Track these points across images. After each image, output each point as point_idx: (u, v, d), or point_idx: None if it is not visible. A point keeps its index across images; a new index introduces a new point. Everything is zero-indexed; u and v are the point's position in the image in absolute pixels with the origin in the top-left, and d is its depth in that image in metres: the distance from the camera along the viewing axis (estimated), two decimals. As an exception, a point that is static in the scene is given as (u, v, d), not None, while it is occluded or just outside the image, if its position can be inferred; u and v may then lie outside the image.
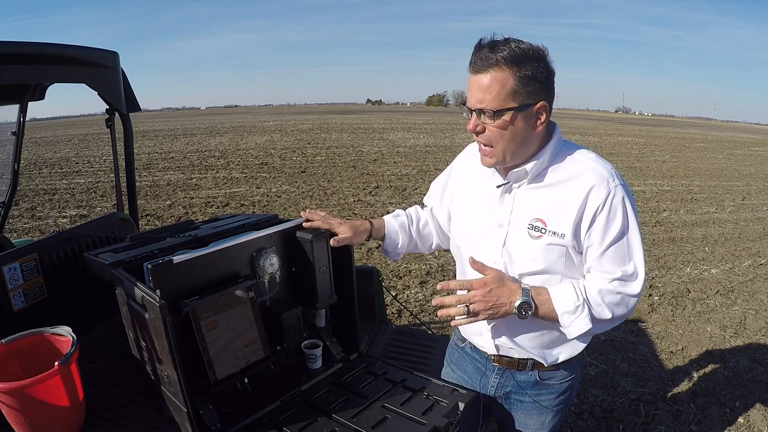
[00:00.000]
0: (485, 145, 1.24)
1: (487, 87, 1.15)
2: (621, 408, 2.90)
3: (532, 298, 1.23)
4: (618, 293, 1.23)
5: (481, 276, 1.27)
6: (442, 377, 1.61)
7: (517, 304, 1.22)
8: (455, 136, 20.95)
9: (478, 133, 1.23)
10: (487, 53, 1.15)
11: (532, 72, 1.15)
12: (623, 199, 1.21)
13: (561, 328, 1.26)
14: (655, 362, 3.46)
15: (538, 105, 1.18)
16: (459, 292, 1.29)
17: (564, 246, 1.24)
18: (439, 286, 1.32)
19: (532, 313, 1.23)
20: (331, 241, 1.55)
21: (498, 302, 1.23)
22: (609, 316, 1.23)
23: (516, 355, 1.39)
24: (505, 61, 1.13)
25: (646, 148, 19.02)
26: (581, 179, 1.22)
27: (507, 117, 1.17)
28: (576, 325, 1.23)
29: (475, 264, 1.28)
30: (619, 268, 1.22)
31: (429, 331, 2.69)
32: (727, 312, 4.29)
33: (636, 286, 1.24)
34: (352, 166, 12.19)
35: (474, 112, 1.20)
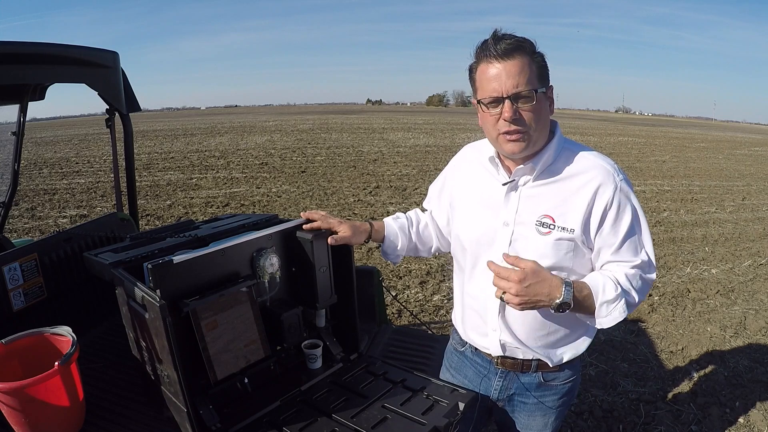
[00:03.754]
0: (517, 132, 1.21)
1: (518, 71, 1.17)
2: (621, 408, 2.90)
3: (574, 297, 1.18)
4: (640, 277, 1.26)
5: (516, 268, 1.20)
6: (441, 378, 1.60)
7: (557, 302, 1.17)
8: (455, 136, 20.95)
9: (514, 120, 1.19)
10: (505, 42, 1.17)
11: (540, 57, 1.21)
12: (628, 192, 1.24)
13: (597, 318, 1.23)
14: (655, 362, 3.46)
15: (550, 89, 1.25)
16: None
17: (573, 240, 1.25)
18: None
19: (569, 310, 1.20)
20: (329, 239, 1.55)
21: (535, 298, 1.18)
22: (636, 300, 1.26)
23: (521, 356, 1.39)
24: (526, 47, 1.18)
25: (646, 148, 19.02)
26: (587, 175, 1.24)
27: (539, 98, 1.20)
28: (613, 314, 1.22)
29: (508, 258, 1.21)
30: (635, 257, 1.26)
31: (429, 331, 2.69)
32: (727, 312, 4.29)
33: (652, 274, 1.28)
34: (352, 166, 12.18)
35: (508, 99, 1.18)
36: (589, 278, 1.25)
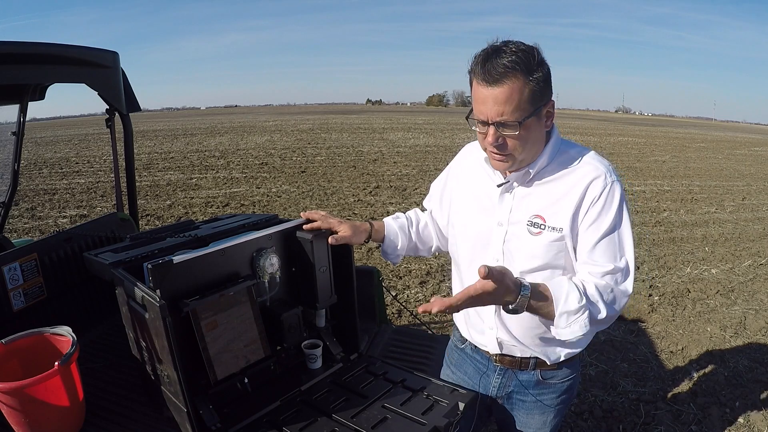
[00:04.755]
0: (500, 155, 1.21)
1: (505, 99, 1.13)
2: (621, 408, 2.90)
3: (530, 303, 1.12)
4: (611, 290, 1.19)
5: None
6: (441, 378, 1.60)
7: (510, 308, 1.13)
8: (455, 136, 20.94)
9: (497, 146, 1.19)
10: (498, 63, 1.11)
11: (541, 74, 1.14)
12: (618, 194, 1.22)
13: (552, 328, 1.18)
14: (655, 362, 3.46)
15: (548, 104, 1.21)
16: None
17: (563, 240, 1.24)
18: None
19: (520, 313, 1.14)
20: (330, 239, 1.55)
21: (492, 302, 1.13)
22: (604, 315, 1.17)
23: (518, 354, 1.39)
24: (518, 68, 1.11)
25: (646, 148, 19.01)
26: (580, 175, 1.24)
27: (527, 126, 1.16)
28: (573, 327, 1.15)
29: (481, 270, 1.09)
30: (612, 263, 1.20)
31: (429, 331, 2.69)
32: (727, 312, 4.29)
33: (628, 284, 1.22)
34: (352, 166, 12.18)
35: (492, 125, 1.17)
36: (555, 284, 1.17)
